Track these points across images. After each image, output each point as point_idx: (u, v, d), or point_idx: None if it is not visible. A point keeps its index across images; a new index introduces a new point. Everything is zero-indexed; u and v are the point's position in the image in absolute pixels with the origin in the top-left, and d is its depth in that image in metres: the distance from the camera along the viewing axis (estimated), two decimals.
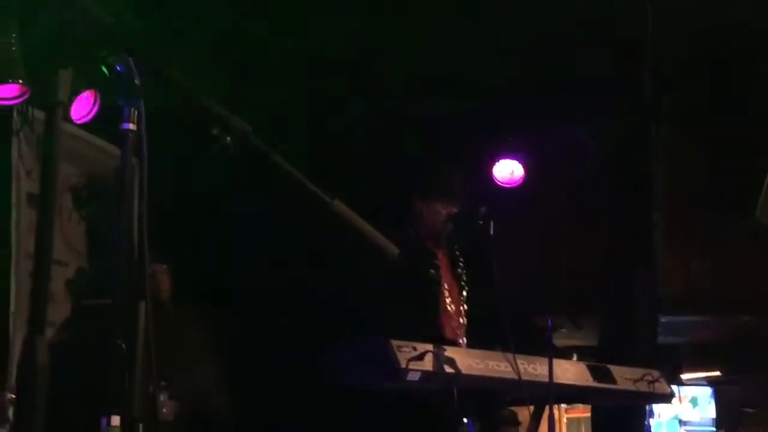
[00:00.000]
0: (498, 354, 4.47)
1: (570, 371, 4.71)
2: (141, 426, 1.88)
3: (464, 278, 5.14)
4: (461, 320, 5.07)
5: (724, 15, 5.91)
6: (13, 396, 4.24)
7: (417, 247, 4.98)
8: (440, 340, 4.65)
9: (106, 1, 1.75)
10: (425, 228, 5.06)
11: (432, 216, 5.04)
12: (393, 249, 1.95)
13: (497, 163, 6.66)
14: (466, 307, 5.10)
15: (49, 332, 1.72)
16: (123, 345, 1.85)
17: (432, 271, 5.02)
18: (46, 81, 1.65)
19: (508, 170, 6.66)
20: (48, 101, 1.68)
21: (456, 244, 5.14)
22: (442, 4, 5.87)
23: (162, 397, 4.98)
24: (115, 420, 1.82)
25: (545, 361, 4.48)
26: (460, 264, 5.15)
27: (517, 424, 5.14)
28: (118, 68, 1.88)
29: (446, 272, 5.11)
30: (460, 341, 4.98)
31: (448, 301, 5.05)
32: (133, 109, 1.91)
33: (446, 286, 5.07)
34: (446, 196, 5.04)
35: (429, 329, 4.79)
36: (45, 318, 1.67)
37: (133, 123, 1.92)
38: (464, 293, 5.12)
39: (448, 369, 4.15)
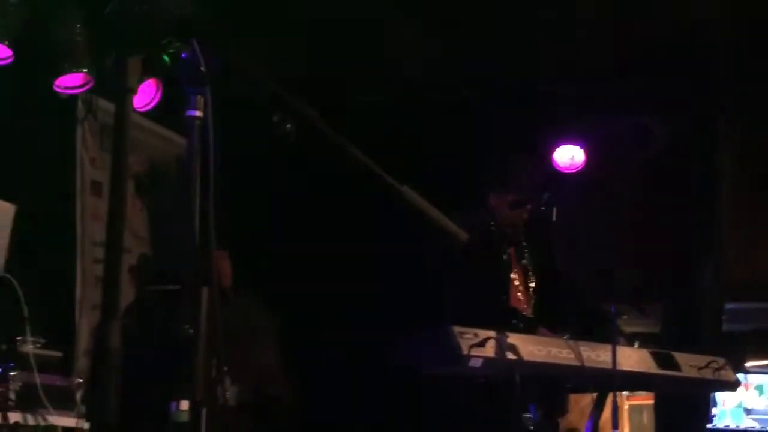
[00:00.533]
0: (560, 341, 4.44)
1: (633, 358, 4.66)
2: (204, 410, 1.90)
3: (530, 270, 5.14)
4: (527, 308, 5.07)
5: None
6: (80, 380, 4.32)
7: (493, 232, 5.00)
8: (515, 317, 4.69)
9: None
10: (498, 218, 5.06)
11: (504, 206, 5.04)
12: (462, 234, 1.94)
13: (558, 149, 6.61)
14: (533, 299, 5.11)
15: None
16: (190, 329, 1.87)
17: (505, 256, 5.04)
18: (116, 69, 1.66)
19: (568, 156, 6.61)
20: (118, 89, 1.69)
21: (523, 235, 5.14)
22: None
23: (225, 382, 5.02)
24: (184, 404, 1.84)
25: (608, 347, 4.44)
26: (525, 255, 5.15)
27: (565, 411, 5.13)
28: (183, 56, 1.89)
29: (514, 263, 5.12)
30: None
31: (515, 285, 5.07)
32: (199, 96, 1.91)
33: (515, 275, 5.08)
34: (517, 186, 5.05)
35: (503, 307, 4.82)
36: (118, 304, 1.70)
37: (199, 110, 1.92)
38: (530, 284, 5.12)
39: (510, 355, 4.13)
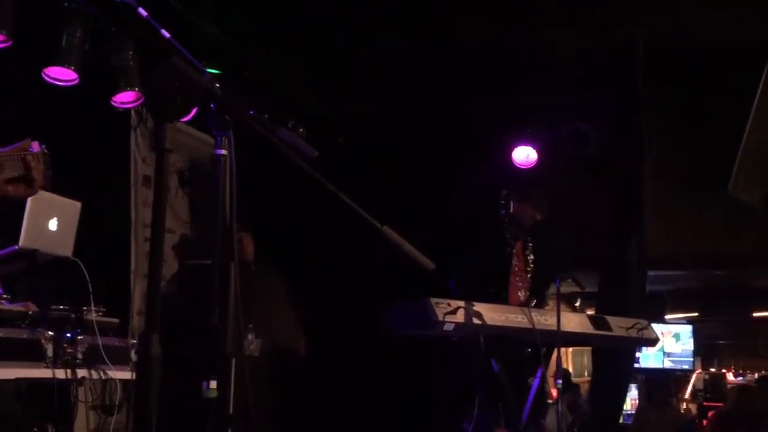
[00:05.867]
0: (516, 308, 4.48)
1: (574, 321, 4.71)
2: (233, 360, 1.89)
3: (530, 259, 5.26)
4: (525, 284, 5.20)
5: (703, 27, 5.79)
6: (134, 341, 4.34)
7: (505, 231, 5.18)
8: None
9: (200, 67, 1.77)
10: (516, 220, 5.20)
11: (523, 214, 5.20)
12: (430, 264, 1.97)
13: (515, 149, 6.62)
14: (529, 277, 5.25)
15: (161, 285, 1.75)
16: (218, 325, 1.86)
17: (508, 248, 5.18)
18: (155, 134, 1.67)
19: (524, 154, 6.62)
20: (158, 150, 1.70)
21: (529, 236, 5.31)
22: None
23: (249, 337, 5.03)
24: (213, 384, 1.83)
25: (554, 313, 4.47)
26: (529, 246, 5.27)
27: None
28: (212, 106, 1.90)
29: (519, 254, 5.23)
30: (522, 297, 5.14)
31: (516, 270, 5.19)
32: (224, 138, 1.93)
33: (516, 262, 5.19)
34: (536, 204, 5.22)
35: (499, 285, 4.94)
36: (158, 317, 1.70)
37: (224, 148, 1.93)
38: (529, 269, 5.25)
39: (476, 321, 4.17)
